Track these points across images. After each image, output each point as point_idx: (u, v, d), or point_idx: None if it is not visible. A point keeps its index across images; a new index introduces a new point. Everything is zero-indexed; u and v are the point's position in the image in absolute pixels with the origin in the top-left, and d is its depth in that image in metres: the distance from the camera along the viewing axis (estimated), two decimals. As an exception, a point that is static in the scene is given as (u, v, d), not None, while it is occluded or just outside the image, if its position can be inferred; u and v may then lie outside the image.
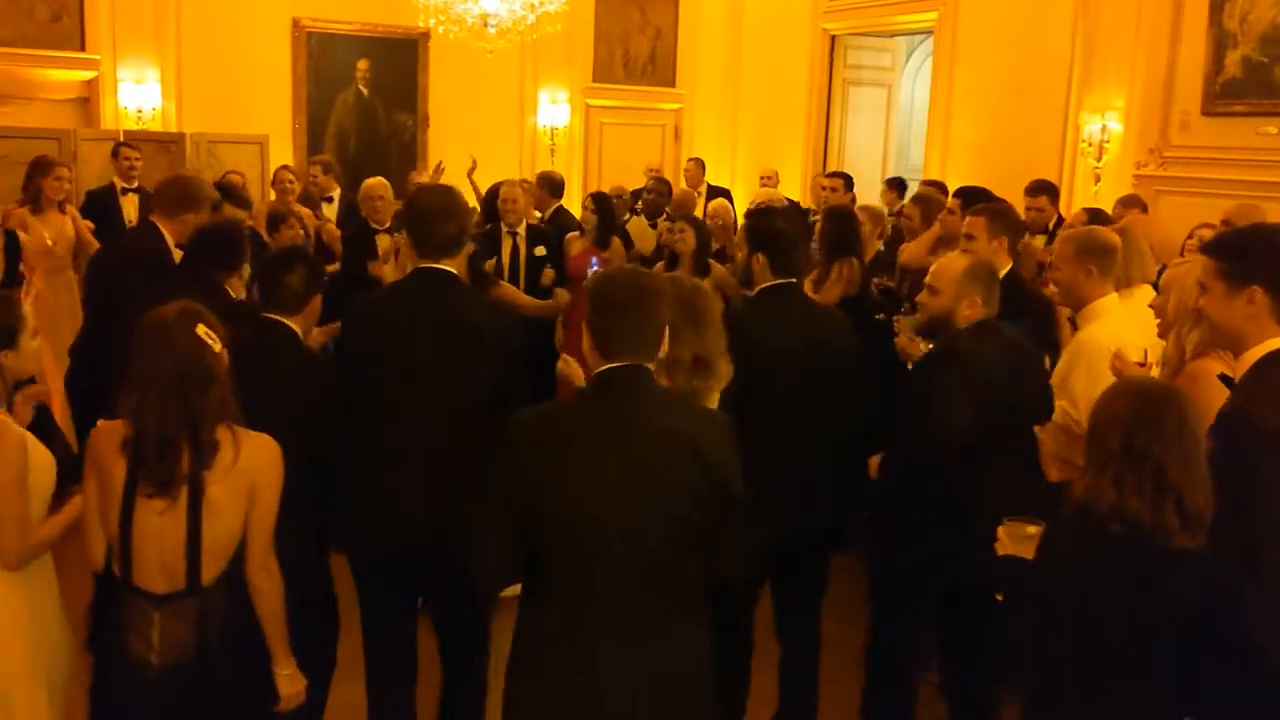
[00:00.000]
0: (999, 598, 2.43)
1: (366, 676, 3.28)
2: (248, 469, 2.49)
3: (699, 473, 2.27)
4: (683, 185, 9.48)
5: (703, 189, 9.51)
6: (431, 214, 3.14)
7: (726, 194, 9.49)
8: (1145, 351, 3.32)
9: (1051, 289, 4.48)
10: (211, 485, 2.45)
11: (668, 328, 2.41)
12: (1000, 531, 2.44)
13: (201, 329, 2.47)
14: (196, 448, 2.43)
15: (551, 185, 7.39)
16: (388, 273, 5.45)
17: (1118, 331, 3.50)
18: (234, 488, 2.48)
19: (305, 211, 6.80)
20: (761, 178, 9.98)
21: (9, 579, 2.64)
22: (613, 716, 2.27)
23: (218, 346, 2.50)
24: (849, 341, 3.56)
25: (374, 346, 3.12)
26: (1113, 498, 2.15)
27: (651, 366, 2.36)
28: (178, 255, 4.50)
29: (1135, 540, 2.14)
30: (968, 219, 4.30)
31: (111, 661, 2.57)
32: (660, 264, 5.87)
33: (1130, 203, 6.26)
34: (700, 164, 9.92)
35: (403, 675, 3.27)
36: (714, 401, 3.29)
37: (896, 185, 8.90)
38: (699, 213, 7.89)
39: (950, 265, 3.41)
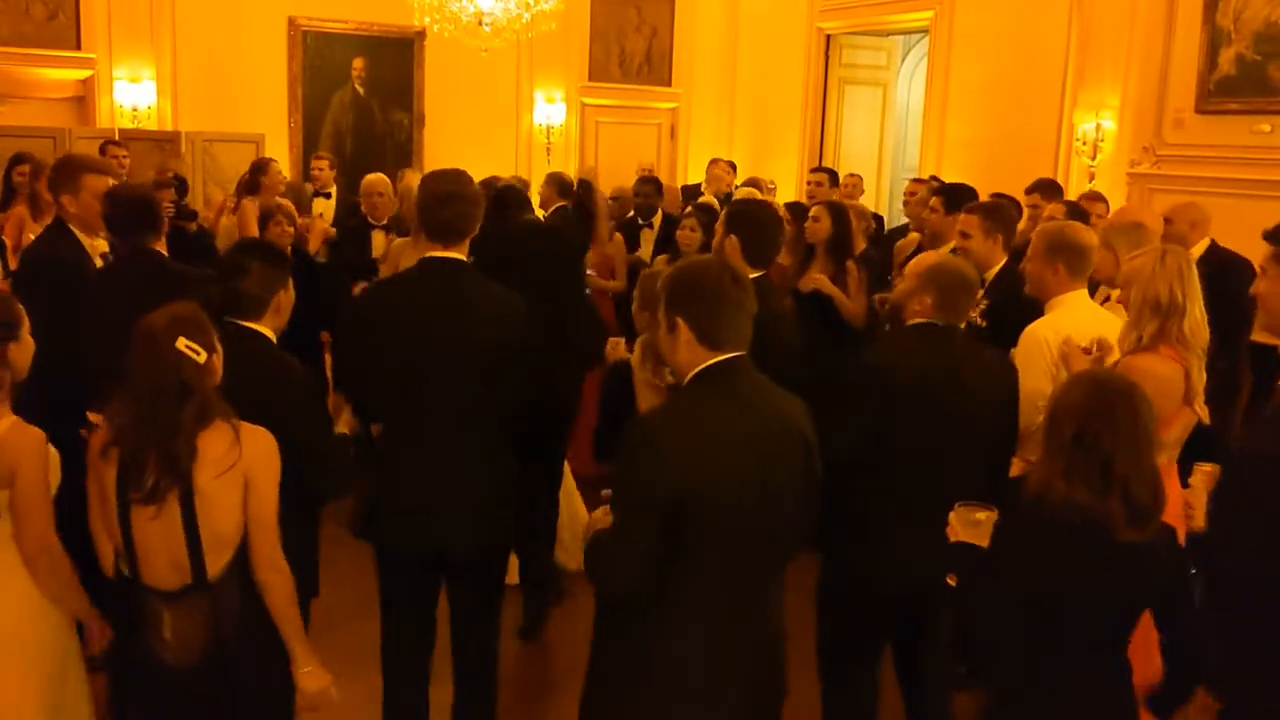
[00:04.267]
0: (951, 582, 2.45)
1: (383, 669, 3.28)
2: (243, 460, 2.49)
3: (806, 453, 2.38)
4: (679, 184, 9.47)
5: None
6: (441, 197, 3.11)
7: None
8: (1095, 341, 3.33)
9: None
10: (204, 478, 2.45)
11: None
12: (951, 517, 2.47)
13: (182, 341, 2.45)
14: (171, 459, 2.42)
15: (560, 185, 7.43)
16: (385, 273, 5.47)
17: (1060, 324, 3.53)
18: (228, 481, 2.47)
19: (288, 204, 6.78)
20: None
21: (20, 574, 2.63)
22: (758, 675, 2.40)
23: (201, 357, 2.47)
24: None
25: (389, 340, 3.08)
26: (1062, 488, 2.19)
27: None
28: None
29: (1085, 531, 2.17)
30: (962, 216, 4.30)
31: (131, 660, 2.57)
32: (663, 257, 5.92)
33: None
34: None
35: (419, 668, 3.28)
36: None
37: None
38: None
39: (921, 260, 3.30)
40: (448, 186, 3.15)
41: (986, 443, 3.11)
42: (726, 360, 2.31)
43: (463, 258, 3.19)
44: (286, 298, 3.12)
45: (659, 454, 2.23)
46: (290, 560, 2.62)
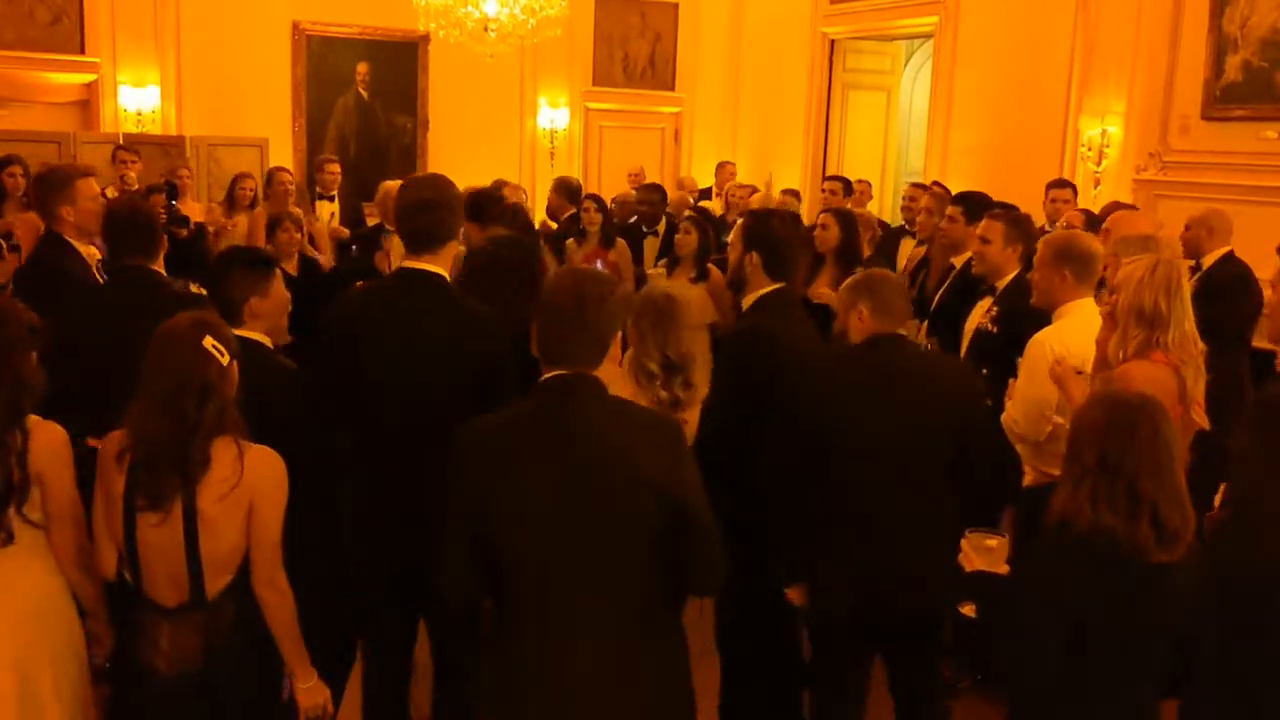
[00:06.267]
0: (968, 612, 2.42)
1: (363, 680, 3.24)
2: (247, 483, 2.46)
3: (641, 484, 2.15)
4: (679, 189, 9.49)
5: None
6: (414, 204, 2.98)
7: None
8: (1087, 362, 3.33)
9: None
10: (207, 501, 2.43)
11: (623, 335, 2.35)
12: (963, 544, 2.43)
13: (208, 341, 2.45)
14: (186, 462, 2.40)
15: (569, 191, 7.44)
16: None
17: (1066, 333, 3.54)
18: (232, 502, 2.45)
19: (298, 211, 6.79)
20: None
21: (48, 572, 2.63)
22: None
23: (225, 360, 2.48)
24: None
25: (348, 353, 2.98)
26: (1089, 513, 2.15)
27: (596, 374, 2.27)
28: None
29: (1114, 556, 2.14)
30: (985, 222, 4.29)
31: (121, 668, 2.57)
32: (663, 262, 5.91)
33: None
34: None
35: (396, 681, 3.20)
36: (694, 415, 3.22)
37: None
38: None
39: (842, 285, 3.25)
40: (421, 193, 3.01)
41: (948, 452, 2.94)
42: (552, 378, 2.23)
43: (437, 269, 3.00)
44: (263, 304, 3.07)
45: (457, 467, 2.25)
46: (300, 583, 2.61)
